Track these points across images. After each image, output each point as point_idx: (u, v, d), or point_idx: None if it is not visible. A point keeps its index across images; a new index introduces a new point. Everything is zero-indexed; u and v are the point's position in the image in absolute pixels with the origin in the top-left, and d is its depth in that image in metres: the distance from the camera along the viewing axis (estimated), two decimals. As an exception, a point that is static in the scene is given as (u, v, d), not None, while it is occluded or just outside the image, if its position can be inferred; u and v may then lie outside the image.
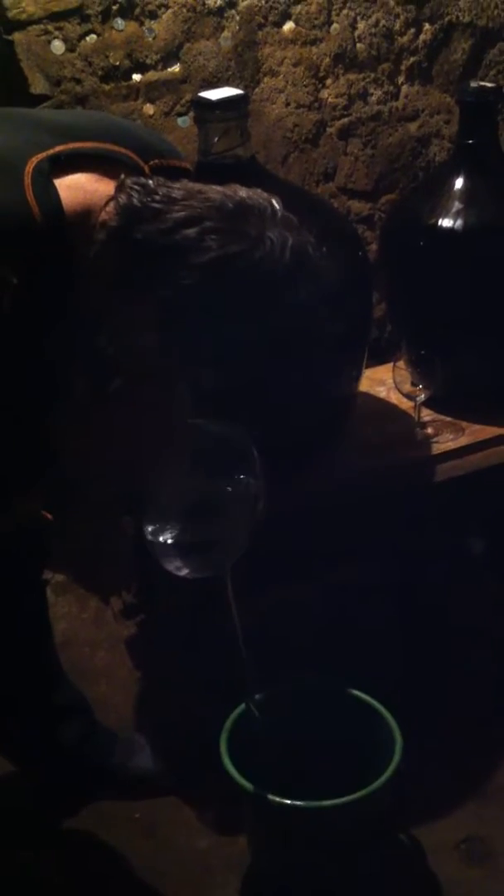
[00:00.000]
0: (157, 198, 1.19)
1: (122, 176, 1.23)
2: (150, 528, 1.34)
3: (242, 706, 1.56)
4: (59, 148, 1.24)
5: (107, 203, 1.21)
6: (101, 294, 1.21)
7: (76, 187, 1.22)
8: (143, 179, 1.23)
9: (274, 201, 1.22)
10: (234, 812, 1.60)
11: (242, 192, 1.21)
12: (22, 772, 1.80)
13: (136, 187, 1.21)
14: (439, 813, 1.72)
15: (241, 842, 1.66)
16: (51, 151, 1.23)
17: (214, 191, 1.21)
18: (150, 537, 1.34)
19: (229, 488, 1.36)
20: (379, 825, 1.57)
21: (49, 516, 1.48)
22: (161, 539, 1.34)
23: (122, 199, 1.20)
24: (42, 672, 1.77)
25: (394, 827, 1.66)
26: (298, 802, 1.46)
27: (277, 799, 1.46)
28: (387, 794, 1.51)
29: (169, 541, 1.33)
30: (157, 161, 1.33)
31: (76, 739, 1.79)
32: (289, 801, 1.46)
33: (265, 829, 1.59)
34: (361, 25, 2.20)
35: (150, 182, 1.22)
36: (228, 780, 1.50)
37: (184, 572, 1.36)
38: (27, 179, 1.19)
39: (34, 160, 1.21)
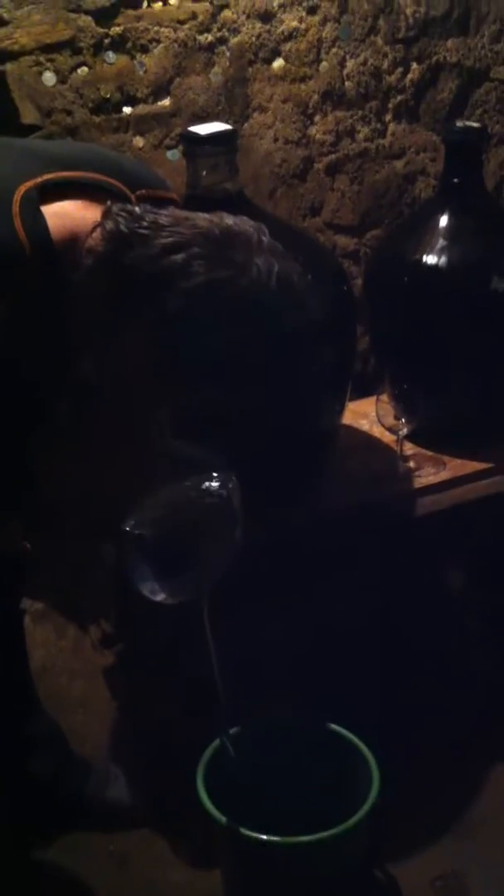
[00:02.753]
0: (144, 224, 1.20)
1: (109, 202, 1.24)
2: (126, 550, 1.34)
3: (218, 740, 1.56)
4: (47, 176, 1.25)
5: (93, 229, 1.22)
6: (86, 319, 1.22)
7: (63, 214, 1.23)
8: (129, 206, 1.24)
9: (260, 229, 1.23)
10: (208, 846, 1.59)
11: (229, 220, 1.22)
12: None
13: (122, 214, 1.22)
14: (415, 849, 1.71)
15: (216, 876, 1.64)
16: (39, 180, 1.24)
17: (201, 218, 1.22)
18: (126, 558, 1.34)
19: (207, 514, 1.36)
20: (354, 861, 1.56)
21: (27, 544, 1.48)
22: (137, 561, 1.34)
23: (109, 225, 1.21)
24: (17, 700, 1.76)
25: (369, 863, 1.65)
26: (273, 837, 1.45)
27: (252, 833, 1.45)
28: (363, 831, 1.50)
29: (145, 563, 1.33)
30: (144, 191, 1.34)
31: (50, 770, 1.78)
32: (264, 836, 1.45)
33: (240, 864, 1.58)
34: (350, 64, 2.23)
35: (137, 209, 1.23)
36: (204, 813, 1.49)
37: (160, 597, 1.36)
38: (15, 208, 1.20)
39: (22, 188, 1.22)
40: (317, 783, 1.61)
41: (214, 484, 1.36)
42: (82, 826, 1.77)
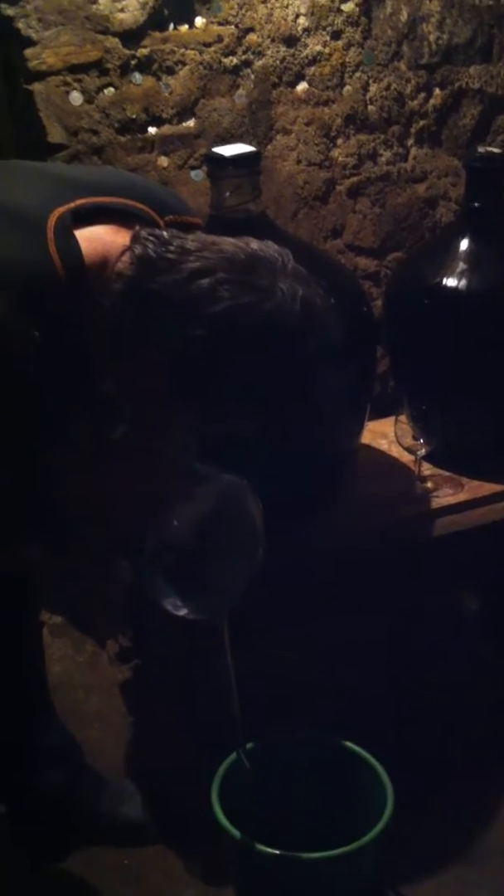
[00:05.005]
0: (172, 249, 1.22)
1: (138, 227, 1.26)
2: (150, 567, 1.35)
3: (234, 756, 1.56)
4: (80, 201, 1.27)
5: (122, 253, 1.24)
6: (113, 341, 1.23)
7: (95, 239, 1.25)
8: (157, 231, 1.26)
9: (285, 254, 1.24)
10: (221, 862, 1.59)
11: (254, 245, 1.24)
12: (8, 815, 1.79)
13: (151, 238, 1.24)
14: (426, 873, 1.71)
15: (228, 893, 1.64)
16: (72, 205, 1.26)
17: (227, 242, 1.24)
18: (149, 574, 1.35)
19: (231, 532, 1.37)
20: (365, 881, 1.56)
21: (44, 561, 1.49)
22: (161, 576, 1.35)
23: (138, 249, 1.23)
24: (34, 713, 1.77)
25: (380, 884, 1.65)
26: (286, 853, 1.45)
27: (265, 849, 1.46)
28: (375, 850, 1.50)
29: (169, 579, 1.34)
30: (171, 217, 1.37)
31: (65, 784, 1.78)
32: (276, 851, 1.45)
33: (252, 880, 1.58)
34: (373, 88, 2.25)
35: (165, 234, 1.25)
36: (217, 829, 1.50)
37: (182, 612, 1.37)
38: (50, 233, 1.22)
39: (56, 213, 1.24)
40: (331, 801, 1.61)
41: (237, 503, 1.37)
42: (96, 841, 1.77)
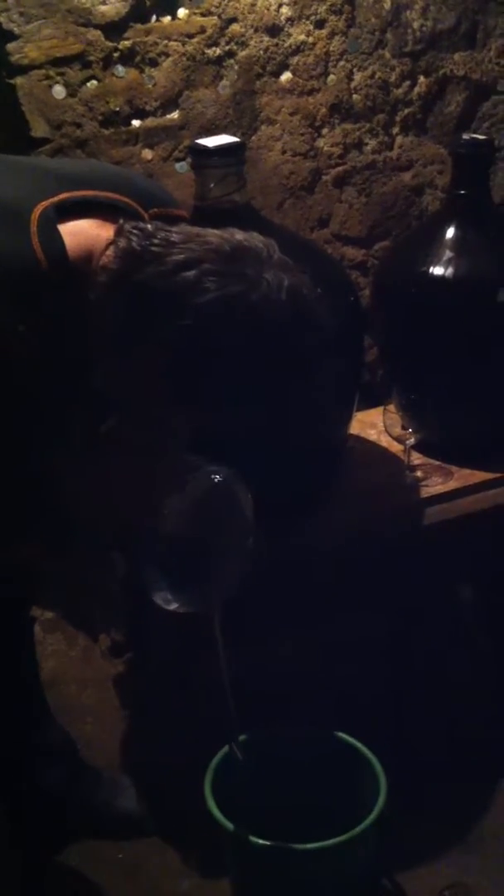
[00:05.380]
0: (156, 241, 1.22)
1: (122, 221, 1.26)
2: (141, 560, 1.35)
3: (227, 748, 1.56)
4: (63, 195, 1.27)
5: (107, 247, 1.23)
6: (100, 335, 1.23)
7: (79, 233, 1.25)
8: (142, 224, 1.26)
9: (270, 244, 1.24)
10: (217, 854, 1.59)
11: (239, 235, 1.24)
12: (5, 811, 1.79)
13: (135, 231, 1.23)
14: (423, 860, 1.72)
15: (224, 885, 1.65)
16: (55, 199, 1.26)
17: (212, 234, 1.23)
18: (140, 567, 1.35)
19: (221, 524, 1.37)
20: (362, 870, 1.56)
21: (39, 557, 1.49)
22: (151, 570, 1.35)
23: (122, 242, 1.23)
24: (28, 710, 1.77)
25: (377, 872, 1.65)
26: (280, 844, 1.46)
27: (259, 840, 1.46)
28: (370, 839, 1.50)
29: (159, 572, 1.34)
30: (156, 209, 1.36)
31: (61, 779, 1.79)
32: (271, 843, 1.46)
33: (247, 871, 1.59)
34: (358, 77, 2.24)
35: (149, 226, 1.25)
36: (212, 821, 1.50)
37: (172, 606, 1.37)
38: (33, 227, 1.21)
39: (40, 207, 1.24)
40: (325, 792, 1.61)
41: (227, 494, 1.37)
42: (92, 835, 1.78)
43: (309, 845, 1.45)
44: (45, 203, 1.24)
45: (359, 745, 1.62)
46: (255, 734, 1.60)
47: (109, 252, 1.23)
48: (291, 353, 1.23)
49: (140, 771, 1.86)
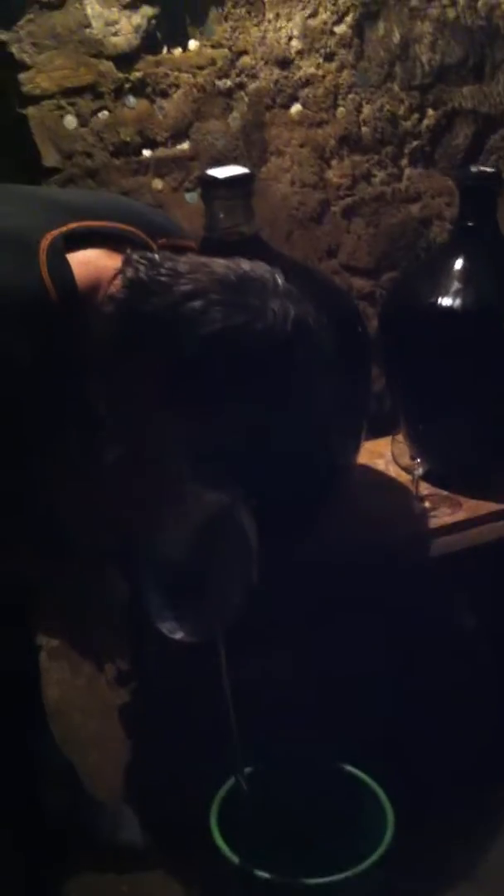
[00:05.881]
0: (163, 271, 1.22)
1: (129, 251, 1.26)
2: (144, 588, 1.35)
3: (232, 780, 1.55)
4: (72, 225, 1.27)
5: (114, 277, 1.24)
6: (105, 364, 1.23)
7: (87, 263, 1.26)
8: (149, 254, 1.26)
9: (276, 274, 1.24)
10: (222, 887, 1.58)
11: (245, 265, 1.24)
12: (7, 841, 1.78)
13: (142, 261, 1.24)
14: (428, 893, 1.70)
15: (228, 918, 1.63)
16: (64, 229, 1.26)
17: (218, 264, 1.24)
18: (144, 596, 1.35)
19: (225, 552, 1.37)
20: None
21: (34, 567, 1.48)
22: (155, 598, 1.34)
23: (129, 272, 1.23)
24: (32, 739, 1.76)
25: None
26: (286, 878, 1.44)
27: (264, 874, 1.44)
28: (376, 875, 1.49)
29: (164, 601, 1.34)
30: (164, 240, 1.37)
31: (63, 810, 1.77)
32: (276, 877, 1.44)
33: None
34: (367, 109, 2.26)
35: (156, 256, 1.25)
36: (216, 853, 1.49)
37: (178, 635, 1.37)
38: (42, 256, 1.22)
39: (49, 237, 1.24)
40: (331, 824, 1.60)
41: (230, 519, 1.37)
42: (95, 867, 1.76)
43: (315, 880, 1.44)
44: (53, 233, 1.25)
45: (364, 776, 1.60)
46: (259, 764, 1.59)
47: (117, 282, 1.23)
48: (296, 383, 1.23)
49: (144, 802, 1.85)
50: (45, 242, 1.23)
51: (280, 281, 1.24)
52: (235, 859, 1.47)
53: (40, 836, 1.76)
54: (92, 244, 1.28)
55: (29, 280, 1.20)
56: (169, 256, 1.25)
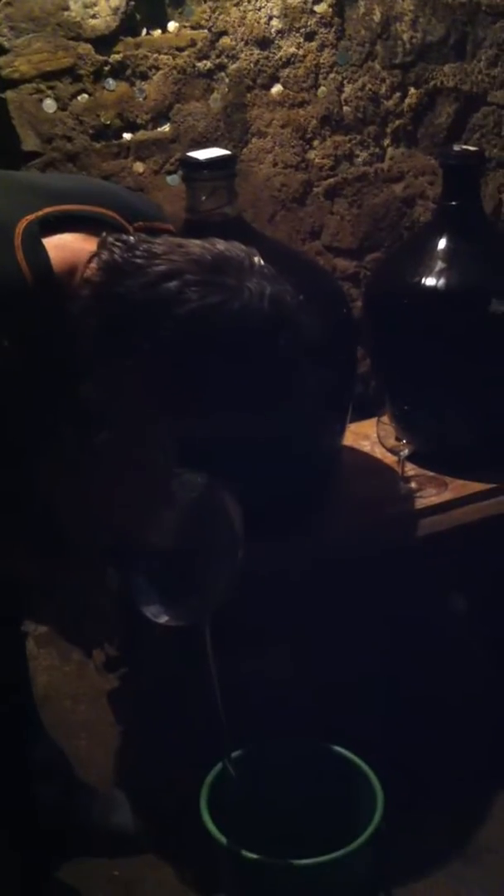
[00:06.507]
0: (139, 253, 1.22)
1: (104, 234, 1.26)
2: (131, 573, 1.35)
3: (221, 763, 1.55)
4: (47, 210, 1.27)
5: (90, 260, 1.23)
6: (84, 347, 1.23)
7: (63, 246, 1.25)
8: (124, 236, 1.26)
9: (251, 252, 1.24)
10: (213, 871, 1.58)
11: (220, 245, 1.24)
12: (3, 841, 1.78)
13: (117, 244, 1.23)
14: (421, 873, 1.71)
15: (220, 900, 1.64)
16: (40, 213, 1.26)
17: (194, 244, 1.23)
18: (130, 581, 1.35)
19: (210, 537, 1.37)
20: (358, 885, 1.55)
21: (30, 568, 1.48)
22: (142, 583, 1.34)
23: (105, 255, 1.23)
24: (21, 726, 1.76)
25: (373, 886, 1.64)
26: (275, 860, 1.44)
27: (254, 856, 1.45)
28: (366, 855, 1.49)
29: (150, 586, 1.34)
30: (141, 223, 1.36)
31: (55, 796, 1.77)
32: (266, 858, 1.44)
33: (242, 887, 1.57)
34: (348, 89, 2.25)
35: (132, 239, 1.25)
36: (207, 836, 1.49)
37: (163, 619, 1.37)
38: (17, 241, 1.22)
39: (24, 222, 1.24)
40: (321, 806, 1.60)
41: (216, 506, 1.37)
42: (87, 852, 1.76)
43: (305, 861, 1.44)
44: (29, 217, 1.25)
45: (355, 758, 1.61)
46: (249, 749, 1.59)
47: (92, 265, 1.23)
48: (274, 361, 1.23)
49: (135, 787, 1.85)
50: (20, 227, 1.23)
51: (256, 260, 1.23)
52: (225, 841, 1.47)
53: (32, 822, 1.76)
54: (69, 228, 1.28)
55: (4, 265, 1.20)
56: (144, 239, 1.25)
